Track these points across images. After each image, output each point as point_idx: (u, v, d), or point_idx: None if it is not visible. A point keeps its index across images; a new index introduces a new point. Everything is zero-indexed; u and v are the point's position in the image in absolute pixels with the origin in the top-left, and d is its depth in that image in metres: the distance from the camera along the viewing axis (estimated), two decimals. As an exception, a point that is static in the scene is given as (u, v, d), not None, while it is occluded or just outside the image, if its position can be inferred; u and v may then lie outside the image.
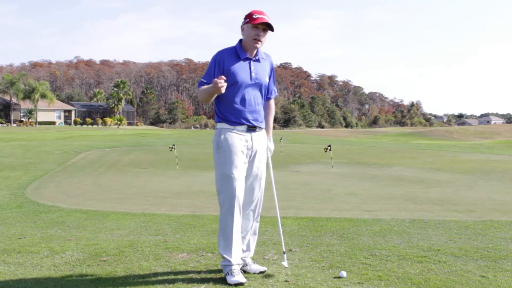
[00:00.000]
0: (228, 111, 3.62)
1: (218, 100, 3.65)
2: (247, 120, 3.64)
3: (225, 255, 3.55)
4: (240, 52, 3.65)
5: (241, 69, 3.61)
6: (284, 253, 3.82)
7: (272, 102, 3.97)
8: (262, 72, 3.72)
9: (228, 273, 3.51)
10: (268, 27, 3.61)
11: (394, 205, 7.74)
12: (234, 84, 3.58)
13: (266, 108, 3.92)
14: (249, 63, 3.66)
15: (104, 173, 14.00)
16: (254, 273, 3.70)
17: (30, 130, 50.92)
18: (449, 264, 3.98)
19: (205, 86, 3.54)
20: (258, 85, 3.70)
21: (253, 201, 3.76)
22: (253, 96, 3.68)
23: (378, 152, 23.88)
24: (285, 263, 3.76)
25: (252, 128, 3.67)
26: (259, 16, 3.57)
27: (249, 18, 3.59)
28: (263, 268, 3.77)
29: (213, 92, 3.46)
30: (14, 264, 4.08)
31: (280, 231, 3.94)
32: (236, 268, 3.54)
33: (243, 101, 3.63)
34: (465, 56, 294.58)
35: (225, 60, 3.59)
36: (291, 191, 9.53)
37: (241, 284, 3.43)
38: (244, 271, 3.70)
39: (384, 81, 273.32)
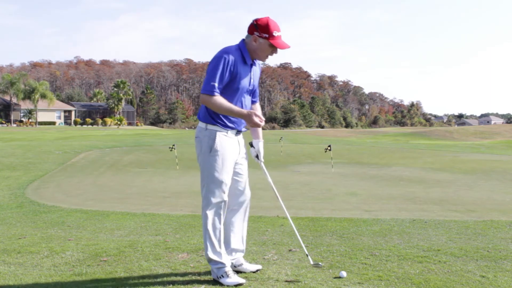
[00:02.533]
0: (224, 114, 3.51)
1: None
2: (239, 126, 3.61)
3: (216, 258, 3.51)
4: (247, 57, 3.51)
5: (245, 75, 3.52)
6: (307, 255, 3.80)
7: (258, 105, 3.86)
8: (256, 77, 3.69)
9: (222, 275, 3.48)
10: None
11: (394, 205, 7.74)
12: (236, 89, 3.50)
13: (256, 109, 3.79)
14: (250, 69, 3.59)
15: (104, 173, 14.00)
16: (251, 271, 3.70)
17: (30, 130, 50.92)
18: (449, 264, 3.98)
19: (232, 106, 3.40)
20: (252, 91, 3.68)
21: (245, 202, 3.76)
22: (247, 101, 3.64)
23: (378, 152, 23.88)
24: (311, 262, 3.76)
25: (239, 132, 3.66)
26: (279, 34, 3.43)
27: (268, 34, 3.41)
28: (258, 267, 3.78)
29: (240, 118, 3.47)
30: (14, 264, 4.08)
31: (297, 234, 3.96)
32: (230, 269, 3.53)
33: (239, 106, 3.54)
34: (465, 57, 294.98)
35: (235, 64, 3.42)
36: (291, 191, 9.53)
37: (241, 284, 3.43)
38: (239, 271, 3.70)
39: (384, 81, 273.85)
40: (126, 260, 4.12)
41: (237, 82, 3.47)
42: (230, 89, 3.47)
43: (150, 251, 4.43)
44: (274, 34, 3.41)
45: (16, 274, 3.76)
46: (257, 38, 3.44)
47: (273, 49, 3.48)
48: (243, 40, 3.55)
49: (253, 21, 3.48)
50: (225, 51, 3.43)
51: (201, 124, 3.60)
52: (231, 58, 3.40)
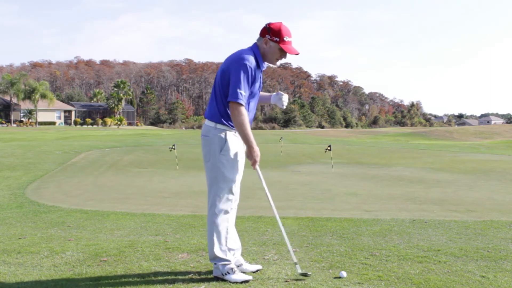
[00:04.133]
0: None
1: (226, 101, 3.55)
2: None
3: (222, 255, 3.56)
4: (261, 63, 3.60)
5: (257, 80, 3.62)
6: (296, 263, 3.68)
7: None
8: (261, 80, 3.78)
9: (228, 272, 3.53)
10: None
11: (394, 205, 7.74)
12: (250, 94, 3.58)
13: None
14: (261, 74, 3.68)
15: (104, 173, 14.00)
16: (251, 272, 3.72)
17: (30, 130, 50.91)
18: (449, 264, 3.98)
19: (250, 132, 3.50)
20: (259, 93, 3.76)
21: (237, 200, 3.82)
22: (255, 103, 3.73)
23: (378, 152, 23.87)
24: (299, 270, 3.64)
25: None
26: (290, 40, 3.53)
27: (279, 37, 3.51)
28: (258, 267, 3.80)
29: (246, 145, 3.53)
30: (14, 264, 4.08)
31: (287, 242, 3.79)
32: (235, 266, 3.60)
33: (250, 108, 3.64)
34: (465, 57, 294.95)
35: (255, 71, 3.54)
36: (291, 191, 9.53)
37: (247, 281, 3.49)
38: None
39: (384, 81, 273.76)
40: (126, 260, 4.12)
41: (253, 87, 3.57)
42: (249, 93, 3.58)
43: (150, 251, 4.43)
44: (285, 39, 3.51)
45: (16, 274, 3.76)
46: (268, 41, 3.54)
47: (282, 53, 3.56)
48: (256, 43, 3.63)
49: (266, 24, 3.58)
50: (248, 59, 3.48)
51: (209, 123, 3.63)
52: (253, 67, 3.50)
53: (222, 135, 3.56)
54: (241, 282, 3.47)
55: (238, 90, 3.43)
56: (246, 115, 3.47)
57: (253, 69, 3.49)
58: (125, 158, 18.93)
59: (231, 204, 3.62)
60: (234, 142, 3.60)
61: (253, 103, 3.68)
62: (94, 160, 18.08)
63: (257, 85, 3.63)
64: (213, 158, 3.59)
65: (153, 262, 4.05)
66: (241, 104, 3.45)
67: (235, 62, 3.48)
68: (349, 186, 10.51)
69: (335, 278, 3.58)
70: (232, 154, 3.57)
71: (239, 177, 3.67)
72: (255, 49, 3.59)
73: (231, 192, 3.60)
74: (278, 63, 3.66)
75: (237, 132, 3.61)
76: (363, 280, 3.53)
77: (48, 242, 4.98)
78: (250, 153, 3.54)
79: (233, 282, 3.47)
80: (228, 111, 3.55)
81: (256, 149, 3.53)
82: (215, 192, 3.59)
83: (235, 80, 3.44)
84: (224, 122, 3.57)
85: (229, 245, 3.71)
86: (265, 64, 3.72)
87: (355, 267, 3.89)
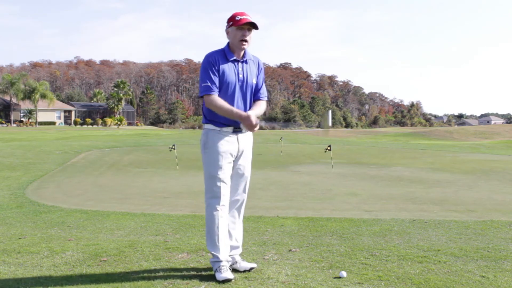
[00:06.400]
0: (214, 112, 3.67)
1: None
2: (233, 122, 3.69)
3: (213, 252, 3.64)
4: (228, 54, 3.71)
5: (229, 70, 3.67)
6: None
7: (263, 102, 3.86)
8: (249, 73, 3.78)
9: (216, 269, 3.58)
10: (252, 26, 3.66)
11: (394, 205, 7.74)
12: (222, 83, 3.66)
13: (256, 104, 3.81)
14: (236, 65, 3.72)
15: (104, 173, 14.00)
16: (244, 270, 3.74)
17: (30, 130, 50.90)
18: (449, 264, 3.98)
19: (232, 108, 3.58)
20: (245, 87, 3.75)
21: (239, 200, 3.87)
22: (240, 98, 3.73)
23: (378, 152, 23.87)
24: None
25: (238, 129, 3.73)
26: (242, 17, 3.64)
27: (232, 21, 3.66)
28: (252, 265, 3.83)
29: (236, 120, 3.61)
30: (14, 264, 4.08)
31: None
32: (225, 265, 3.61)
33: (230, 103, 3.66)
34: (465, 57, 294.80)
35: (217, 61, 3.65)
36: (291, 191, 9.53)
37: (229, 280, 3.50)
38: (234, 269, 3.75)
39: (384, 81, 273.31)
40: (126, 260, 4.13)
41: (221, 78, 3.65)
42: (220, 85, 3.67)
43: (150, 251, 4.44)
44: (237, 18, 3.65)
45: (16, 274, 3.76)
46: (228, 30, 3.72)
47: (240, 31, 3.65)
48: (228, 42, 3.78)
49: None
50: (207, 55, 3.71)
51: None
52: (212, 58, 3.66)
53: (205, 133, 3.73)
54: (222, 281, 3.47)
55: (202, 84, 3.64)
56: (218, 100, 3.60)
57: (212, 60, 3.64)
58: (125, 158, 18.93)
59: (218, 201, 3.65)
60: (218, 139, 3.67)
61: (236, 95, 3.69)
62: (94, 160, 18.08)
63: (231, 76, 3.66)
64: (202, 157, 3.77)
65: (153, 262, 4.05)
66: (209, 94, 3.61)
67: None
68: (349, 186, 10.51)
69: (335, 278, 3.58)
70: (214, 152, 3.66)
71: (223, 174, 3.65)
72: (225, 46, 3.76)
73: (217, 189, 3.64)
74: (246, 45, 3.68)
75: (222, 129, 3.69)
76: (363, 280, 3.53)
77: (48, 242, 4.98)
78: (244, 124, 3.60)
79: (217, 281, 3.49)
80: (209, 110, 3.68)
81: (245, 115, 3.56)
82: (206, 190, 3.72)
83: (200, 77, 3.70)
84: (207, 121, 3.73)
85: (223, 240, 3.72)
86: (247, 58, 3.77)
87: (355, 267, 3.89)
